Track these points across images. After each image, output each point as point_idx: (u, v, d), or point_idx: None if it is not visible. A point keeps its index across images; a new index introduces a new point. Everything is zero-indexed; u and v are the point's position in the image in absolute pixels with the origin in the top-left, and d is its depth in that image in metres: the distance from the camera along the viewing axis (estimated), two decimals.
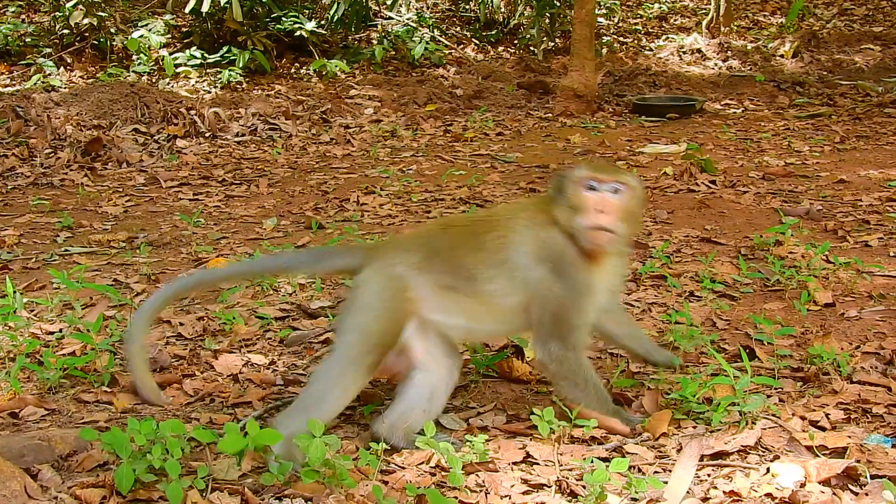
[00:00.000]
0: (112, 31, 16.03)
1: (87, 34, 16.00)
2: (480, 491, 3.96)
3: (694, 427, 4.57)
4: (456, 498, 3.84)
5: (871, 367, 5.21)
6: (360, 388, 4.48)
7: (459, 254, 4.58)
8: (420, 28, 17.97)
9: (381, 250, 4.66)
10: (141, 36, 15.92)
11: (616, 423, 4.55)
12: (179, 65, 15.66)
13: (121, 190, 10.29)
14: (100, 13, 15.76)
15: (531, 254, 4.52)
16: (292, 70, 16.60)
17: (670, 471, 4.10)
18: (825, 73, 17.02)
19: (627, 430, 4.53)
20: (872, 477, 3.97)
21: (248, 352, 5.67)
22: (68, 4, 15.58)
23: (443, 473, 4.04)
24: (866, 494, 3.88)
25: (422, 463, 4.17)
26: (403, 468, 4.15)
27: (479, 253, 4.55)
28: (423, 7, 19.41)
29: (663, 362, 5.13)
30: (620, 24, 20.59)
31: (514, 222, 4.61)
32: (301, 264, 5.26)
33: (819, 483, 3.93)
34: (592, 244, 4.47)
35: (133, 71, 15.54)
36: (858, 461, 4.07)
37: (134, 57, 15.87)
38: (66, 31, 15.99)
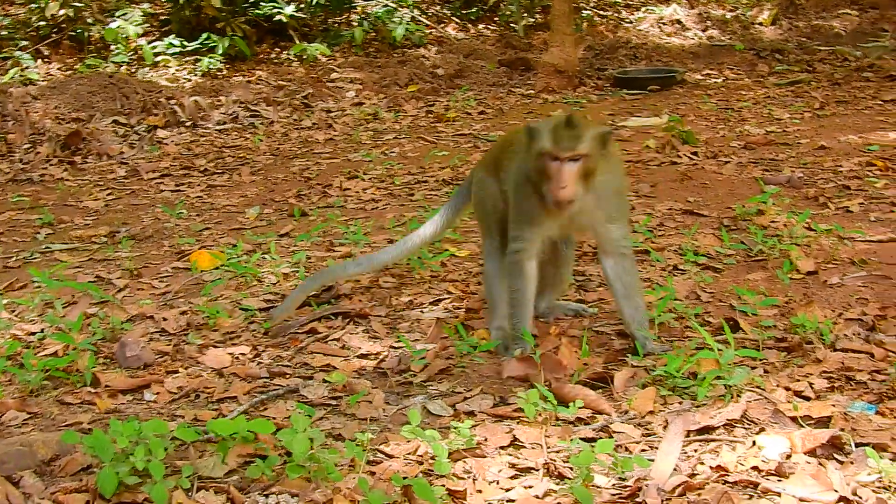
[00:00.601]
0: (89, 21, 15.94)
1: (63, 25, 15.90)
2: (468, 477, 3.96)
3: (679, 402, 4.58)
4: (443, 486, 3.84)
5: (854, 334, 5.21)
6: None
7: (498, 159, 5.63)
8: (400, 8, 17.90)
9: (474, 169, 6.09)
10: (118, 26, 15.83)
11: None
12: (158, 54, 15.58)
13: (101, 183, 10.26)
14: (76, 4, 15.65)
15: (514, 171, 5.33)
16: (272, 55, 16.53)
17: (657, 448, 4.10)
18: (804, 39, 17.00)
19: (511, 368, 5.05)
20: (857, 445, 3.99)
21: (233, 345, 5.66)
22: None
23: (430, 461, 4.03)
24: (851, 463, 3.90)
25: (409, 452, 4.16)
26: (391, 457, 4.15)
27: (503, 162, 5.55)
28: None
29: (639, 340, 5.24)
30: None
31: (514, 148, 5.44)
32: (449, 221, 6.18)
33: (805, 454, 3.95)
34: (556, 207, 5.03)
35: (111, 61, 15.44)
36: (843, 430, 4.09)
37: (112, 47, 15.77)
38: (42, 23, 15.86)
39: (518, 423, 4.44)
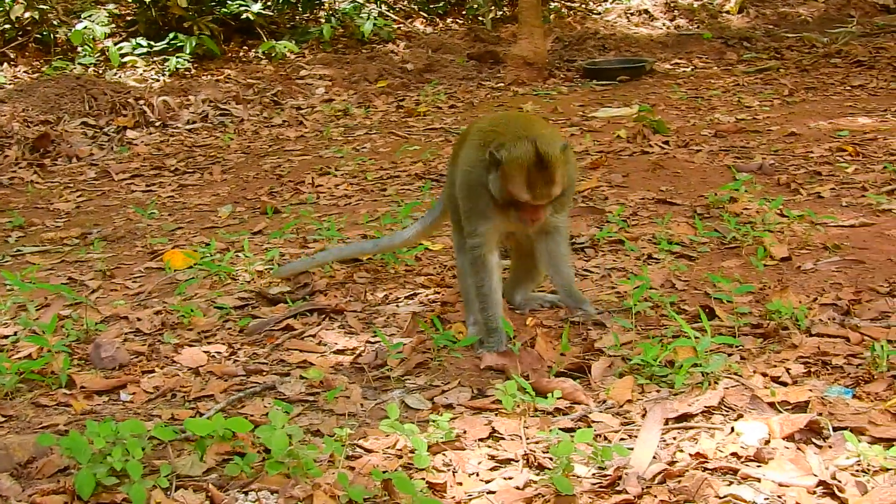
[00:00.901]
0: (55, 23, 15.85)
1: (29, 28, 15.80)
2: (448, 470, 3.95)
3: (657, 391, 4.58)
4: (423, 479, 3.84)
5: (829, 319, 5.23)
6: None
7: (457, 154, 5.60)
8: (367, 4, 17.87)
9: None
10: (84, 27, 15.73)
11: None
12: (125, 54, 15.49)
13: (72, 185, 10.21)
14: (41, 6, 15.56)
15: (467, 171, 5.30)
16: (241, 53, 16.47)
17: (636, 437, 4.11)
18: (771, 26, 17.06)
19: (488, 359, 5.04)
20: (835, 429, 4.00)
21: (209, 343, 5.63)
22: None
23: (409, 455, 4.03)
24: (829, 447, 3.90)
25: (388, 447, 4.15)
26: (370, 452, 4.14)
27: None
28: None
29: (572, 306, 5.53)
30: None
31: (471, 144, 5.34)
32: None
33: (783, 439, 3.96)
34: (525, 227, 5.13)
35: (78, 63, 15.34)
36: (820, 414, 4.10)
37: (78, 49, 15.69)
38: (7, 26, 15.75)
39: (496, 414, 4.44)
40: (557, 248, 5.47)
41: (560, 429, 4.20)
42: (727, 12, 18.03)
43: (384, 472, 3.81)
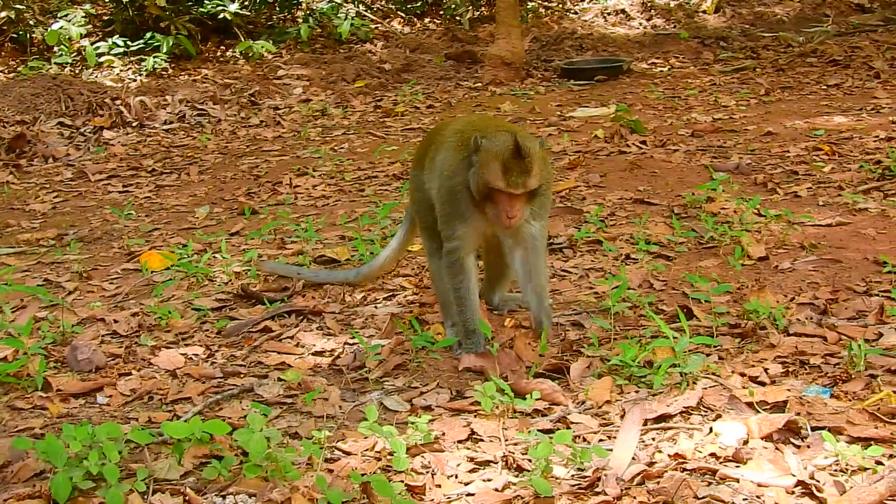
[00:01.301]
0: (31, 23, 15.80)
1: (5, 28, 15.76)
2: (427, 472, 3.95)
3: (636, 392, 4.59)
4: (402, 482, 3.84)
5: (807, 318, 5.26)
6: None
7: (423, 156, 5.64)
8: (345, 4, 17.85)
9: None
10: (61, 27, 15.67)
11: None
12: (102, 54, 15.44)
13: (48, 186, 10.16)
14: (17, 6, 15.52)
15: (445, 172, 5.28)
16: (218, 53, 16.44)
17: (615, 437, 4.11)
18: (747, 26, 17.10)
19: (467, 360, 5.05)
20: (813, 429, 4.02)
21: (186, 345, 5.61)
22: None
23: (388, 457, 4.02)
24: (808, 447, 3.92)
25: (367, 449, 4.15)
26: (348, 454, 4.13)
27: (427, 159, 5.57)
28: None
29: (536, 320, 5.42)
30: None
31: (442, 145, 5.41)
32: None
33: (761, 439, 3.98)
34: (503, 228, 5.07)
35: (55, 63, 15.30)
36: (798, 414, 4.12)
37: (55, 49, 15.63)
38: None
39: (475, 416, 4.44)
40: (536, 260, 5.33)
41: (539, 430, 4.21)
42: (703, 12, 18.08)
43: (363, 474, 3.80)
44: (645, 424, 4.22)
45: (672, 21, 17.72)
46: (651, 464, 3.91)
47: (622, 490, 3.71)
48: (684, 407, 4.31)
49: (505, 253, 5.51)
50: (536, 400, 4.48)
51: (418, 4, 18.75)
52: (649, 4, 18.46)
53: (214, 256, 7.07)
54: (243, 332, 5.74)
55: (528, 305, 5.52)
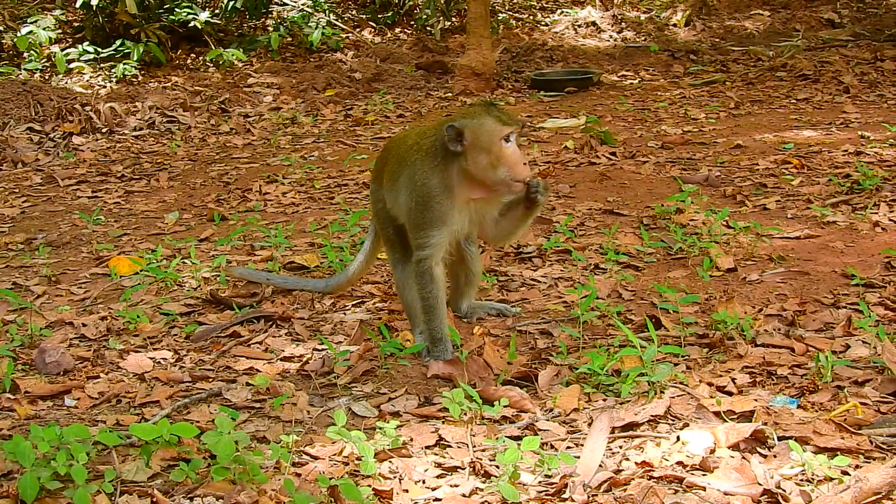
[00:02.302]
0: (1, 29, 15.72)
1: None
2: (394, 477, 3.96)
3: (604, 400, 4.61)
4: (370, 486, 3.84)
5: (774, 329, 5.30)
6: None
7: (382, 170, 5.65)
8: (316, 13, 17.83)
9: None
10: (30, 32, 15.58)
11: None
12: (72, 60, 15.36)
13: (17, 191, 10.10)
14: None
15: (416, 176, 5.27)
16: (188, 61, 16.38)
17: (582, 445, 4.13)
18: (717, 40, 17.17)
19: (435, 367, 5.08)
20: (780, 438, 4.05)
21: (154, 349, 5.60)
22: None
23: (356, 462, 4.02)
24: (774, 456, 3.95)
25: (335, 454, 4.15)
26: (316, 459, 4.13)
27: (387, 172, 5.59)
28: None
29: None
30: (515, 1, 20.61)
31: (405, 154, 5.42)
32: None
33: (728, 448, 4.01)
34: (509, 193, 5.15)
35: (24, 69, 15.21)
36: (765, 424, 4.15)
37: (24, 54, 15.55)
38: None
39: (443, 422, 4.45)
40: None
41: (507, 437, 4.22)
42: (674, 25, 18.14)
43: (330, 478, 3.80)
44: (612, 432, 4.23)
45: (642, 34, 17.77)
46: (618, 471, 3.92)
47: (589, 497, 3.72)
48: (652, 415, 4.33)
49: (470, 257, 5.57)
50: (504, 407, 4.50)
51: (389, 14, 18.74)
52: (620, 17, 18.52)
53: (183, 262, 7.05)
54: (212, 337, 5.74)
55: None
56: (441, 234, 5.21)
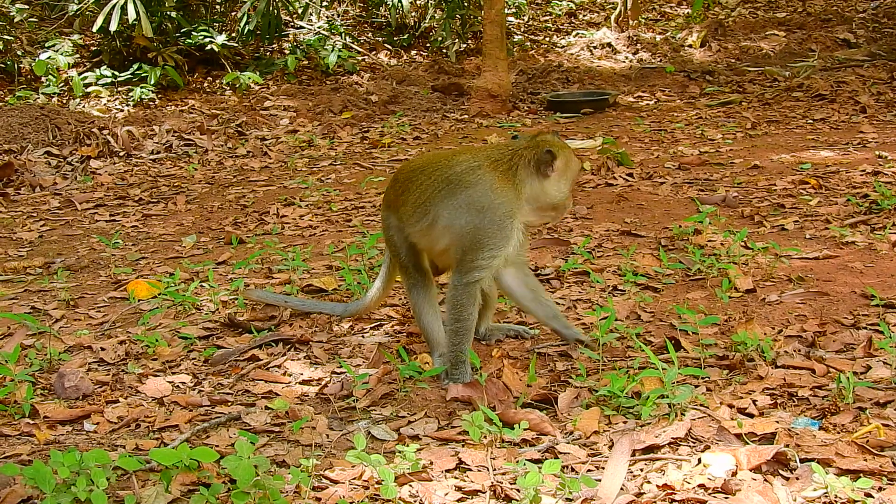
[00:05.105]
0: (19, 53, 15.81)
1: None
2: (414, 501, 3.95)
3: (624, 422, 4.59)
4: None
5: (795, 351, 5.27)
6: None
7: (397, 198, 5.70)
8: (332, 36, 17.90)
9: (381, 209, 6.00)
10: (48, 57, 15.68)
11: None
12: (89, 84, 15.45)
13: (35, 215, 10.14)
14: (6, 36, 15.53)
15: (487, 203, 5.26)
16: (205, 84, 16.45)
17: (603, 468, 4.11)
18: (733, 60, 17.18)
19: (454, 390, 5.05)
20: (802, 461, 4.02)
21: (173, 373, 5.60)
22: None
23: (376, 486, 4.01)
24: (797, 479, 3.92)
25: (355, 478, 4.13)
26: (336, 483, 4.12)
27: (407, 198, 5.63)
28: (333, 15, 19.33)
29: (567, 335, 5.62)
30: (530, 23, 20.67)
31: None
32: None
33: (750, 470, 3.98)
34: (555, 220, 5.67)
35: (42, 93, 15.30)
36: (787, 446, 4.12)
37: (42, 79, 15.63)
38: None
39: (463, 445, 4.43)
40: (533, 280, 5.65)
41: (527, 460, 4.20)
42: (689, 46, 18.16)
43: (350, 502, 3.79)
44: (633, 455, 4.22)
45: (658, 55, 17.80)
46: (639, 494, 3.90)
47: None
48: (673, 438, 4.31)
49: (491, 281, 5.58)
50: (524, 430, 4.48)
51: (405, 37, 18.80)
52: (635, 38, 18.55)
53: (201, 285, 7.06)
54: (230, 361, 5.73)
55: (547, 325, 5.73)
56: (500, 256, 5.24)
